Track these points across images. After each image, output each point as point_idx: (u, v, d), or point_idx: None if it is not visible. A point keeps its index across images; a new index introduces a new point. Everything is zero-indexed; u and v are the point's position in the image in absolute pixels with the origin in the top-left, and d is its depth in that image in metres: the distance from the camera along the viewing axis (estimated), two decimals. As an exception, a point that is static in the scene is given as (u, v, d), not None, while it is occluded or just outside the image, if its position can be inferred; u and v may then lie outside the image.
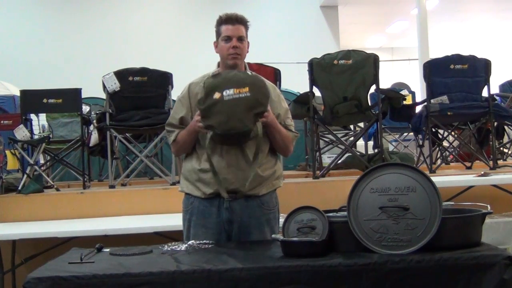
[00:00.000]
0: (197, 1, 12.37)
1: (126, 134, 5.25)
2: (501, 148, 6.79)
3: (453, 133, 5.88)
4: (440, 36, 14.45)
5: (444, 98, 4.97)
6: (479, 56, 5.15)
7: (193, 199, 2.66)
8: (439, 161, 5.87)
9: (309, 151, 5.70)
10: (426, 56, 10.01)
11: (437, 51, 8.42)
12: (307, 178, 5.14)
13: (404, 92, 6.87)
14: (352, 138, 5.95)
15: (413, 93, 8.04)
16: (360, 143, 6.28)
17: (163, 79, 4.97)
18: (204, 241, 2.47)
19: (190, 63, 9.02)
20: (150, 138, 5.86)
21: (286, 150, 2.72)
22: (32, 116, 5.86)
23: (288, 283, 1.95)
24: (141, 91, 4.89)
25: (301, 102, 5.04)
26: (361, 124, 5.32)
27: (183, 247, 2.37)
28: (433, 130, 5.47)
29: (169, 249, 2.34)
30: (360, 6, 13.09)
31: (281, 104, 2.72)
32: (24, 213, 4.29)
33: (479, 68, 5.07)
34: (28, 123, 5.29)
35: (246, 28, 2.66)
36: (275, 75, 4.81)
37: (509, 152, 6.81)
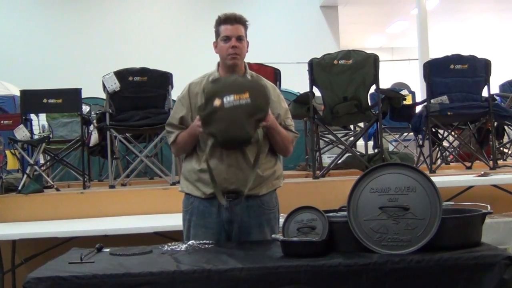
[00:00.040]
0: (197, 1, 12.37)
1: (126, 134, 5.25)
2: (501, 148, 6.79)
3: (453, 133, 5.88)
4: (440, 36, 14.45)
5: (444, 98, 4.97)
6: (479, 56, 5.15)
7: (193, 199, 2.66)
8: (439, 161, 5.87)
9: (309, 151, 5.70)
10: (426, 56, 10.01)
11: (437, 51, 8.42)
12: (307, 178, 5.14)
13: (404, 92, 6.87)
14: (352, 138, 5.95)
15: (413, 93, 8.04)
16: (360, 143, 6.28)
17: (163, 79, 4.97)
18: (204, 241, 2.48)
19: (190, 63, 9.01)
20: (150, 138, 5.86)
21: (286, 150, 2.72)
22: (32, 116, 5.87)
23: (288, 283, 1.95)
24: (141, 91, 4.89)
25: (301, 102, 5.04)
26: (361, 124, 5.32)
27: (183, 247, 2.37)
28: (433, 130, 5.47)
29: (169, 249, 2.34)
30: (360, 6, 13.09)
31: (281, 104, 2.72)
32: (24, 213, 4.29)
33: (479, 68, 5.07)
34: (28, 123, 5.30)
35: (245, 27, 2.65)
36: (275, 75, 4.81)
37: (509, 152, 6.82)
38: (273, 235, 2.36)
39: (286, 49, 11.66)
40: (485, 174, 4.40)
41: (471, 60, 5.08)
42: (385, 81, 6.85)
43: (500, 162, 5.82)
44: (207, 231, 2.60)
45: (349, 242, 2.08)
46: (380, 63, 4.73)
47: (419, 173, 2.10)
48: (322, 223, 2.15)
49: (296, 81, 6.51)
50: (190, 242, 2.46)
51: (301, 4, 12.43)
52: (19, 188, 4.62)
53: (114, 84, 4.78)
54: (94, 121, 5.24)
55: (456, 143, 6.30)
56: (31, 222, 4.18)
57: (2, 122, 5.19)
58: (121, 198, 4.41)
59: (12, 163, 5.61)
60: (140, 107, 4.87)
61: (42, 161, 6.28)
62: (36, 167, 5.03)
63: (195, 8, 12.19)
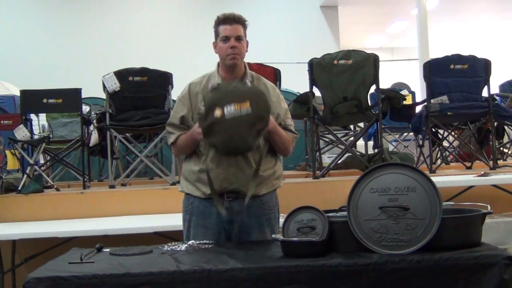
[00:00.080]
0: (197, 1, 12.37)
1: (126, 134, 5.25)
2: (501, 148, 6.79)
3: (453, 133, 5.88)
4: (440, 36, 14.45)
5: (444, 98, 4.97)
6: (479, 56, 5.15)
7: (193, 199, 2.66)
8: (439, 161, 5.87)
9: (309, 151, 5.70)
10: (426, 56, 10.00)
11: (437, 51, 8.42)
12: (307, 178, 5.14)
13: (404, 92, 6.88)
14: (352, 138, 5.95)
15: (413, 93, 8.04)
16: (360, 143, 6.28)
17: (163, 79, 4.97)
18: (204, 241, 2.48)
19: (190, 63, 9.03)
20: (150, 138, 5.87)
21: (286, 151, 2.72)
22: (32, 116, 5.87)
23: (288, 283, 1.95)
24: (141, 91, 4.89)
25: (301, 102, 5.04)
26: (361, 124, 5.32)
27: (183, 247, 2.37)
28: (433, 130, 5.47)
29: (169, 249, 2.34)
30: (360, 6, 13.09)
31: (281, 104, 2.71)
32: (24, 213, 4.29)
33: (479, 68, 5.07)
34: (28, 123, 5.30)
35: (245, 27, 2.65)
36: (275, 75, 4.81)
37: (509, 152, 6.82)
38: (273, 235, 2.36)
39: (286, 49, 11.67)
40: (485, 174, 4.40)
41: (471, 60, 5.08)
42: (385, 81, 6.85)
43: (500, 162, 5.82)
44: (207, 231, 2.60)
45: (349, 242, 2.08)
46: (380, 63, 4.72)
47: (419, 173, 2.10)
48: (322, 223, 2.15)
49: (296, 81, 6.51)
50: (190, 242, 2.46)
51: (301, 4, 12.43)
52: (19, 188, 4.62)
53: (114, 84, 4.78)
54: (94, 121, 5.24)
55: (456, 143, 6.30)
56: (31, 222, 4.18)
57: (2, 122, 5.18)
58: (121, 198, 4.41)
59: (12, 163, 5.61)
60: (140, 107, 4.87)
61: (42, 161, 6.27)
62: (36, 167, 5.03)
63: (195, 8, 12.19)
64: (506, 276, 1.93)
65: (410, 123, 5.52)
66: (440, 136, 5.89)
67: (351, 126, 6.28)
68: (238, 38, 2.60)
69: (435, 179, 2.19)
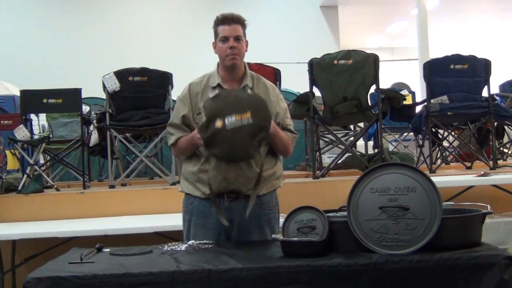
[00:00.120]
0: (197, 1, 12.38)
1: (126, 134, 5.25)
2: (501, 148, 6.79)
3: (453, 133, 5.88)
4: (440, 36, 14.45)
5: (444, 98, 4.97)
6: (479, 56, 5.15)
7: (193, 199, 2.66)
8: (439, 161, 5.87)
9: (309, 151, 5.70)
10: (426, 56, 10.01)
11: (437, 51, 8.42)
12: (307, 178, 5.14)
13: (404, 92, 6.88)
14: (352, 138, 5.95)
15: (413, 93, 8.04)
16: (360, 143, 6.28)
17: (163, 79, 4.97)
18: (204, 241, 2.48)
19: (190, 63, 9.02)
20: (150, 138, 5.87)
21: (286, 152, 2.72)
22: (32, 116, 5.87)
23: (288, 283, 1.95)
24: (141, 91, 4.89)
25: (301, 102, 5.04)
26: (361, 124, 5.32)
27: (183, 247, 2.37)
28: (433, 130, 5.47)
29: (169, 249, 2.34)
30: (360, 6, 13.09)
31: (280, 104, 2.71)
32: (24, 213, 4.29)
33: (479, 68, 5.07)
34: (28, 123, 5.30)
35: (244, 27, 2.65)
36: (275, 75, 4.81)
37: (509, 152, 6.82)
38: (273, 235, 2.36)
39: (286, 49, 11.67)
40: (485, 174, 4.40)
41: (471, 60, 5.08)
42: (385, 81, 6.85)
43: (500, 162, 5.82)
44: (207, 231, 2.60)
45: (349, 242, 2.08)
46: (380, 63, 4.72)
47: (419, 173, 2.10)
48: (322, 223, 2.15)
49: (296, 81, 6.51)
50: (190, 242, 2.46)
51: (301, 4, 12.43)
52: (19, 188, 4.62)
53: (114, 84, 4.78)
54: (94, 121, 5.24)
55: (456, 143, 6.30)
56: (31, 222, 4.18)
57: (2, 122, 5.18)
58: (121, 198, 4.41)
59: (12, 163, 5.61)
60: (140, 107, 4.87)
61: (42, 161, 6.28)
62: (36, 167, 5.02)
63: (195, 8, 12.20)
64: (506, 276, 1.93)
65: (410, 123, 5.52)
66: (440, 136, 5.89)
67: (351, 126, 6.28)
68: (237, 38, 2.60)
69: (435, 179, 2.19)
